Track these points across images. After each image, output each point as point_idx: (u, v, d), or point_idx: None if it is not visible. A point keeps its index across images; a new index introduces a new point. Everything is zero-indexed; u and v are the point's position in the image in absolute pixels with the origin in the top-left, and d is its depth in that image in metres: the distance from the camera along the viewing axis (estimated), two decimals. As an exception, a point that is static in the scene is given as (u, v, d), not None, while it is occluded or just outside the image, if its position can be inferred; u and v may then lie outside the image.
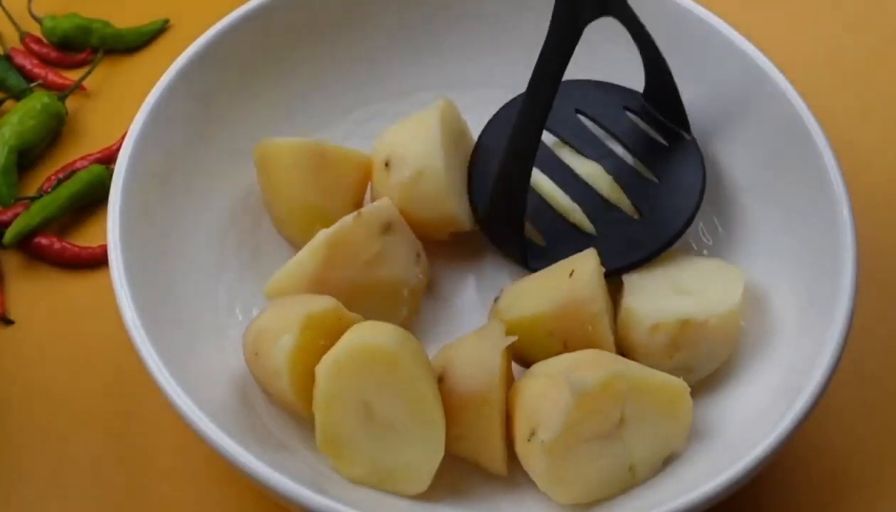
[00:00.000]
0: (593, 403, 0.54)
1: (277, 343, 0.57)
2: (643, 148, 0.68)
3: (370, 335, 0.56)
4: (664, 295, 0.61)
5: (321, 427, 0.56)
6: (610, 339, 0.59)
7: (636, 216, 0.66)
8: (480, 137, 0.69)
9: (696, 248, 0.68)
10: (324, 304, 0.58)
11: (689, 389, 0.57)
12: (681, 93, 0.70)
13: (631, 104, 0.69)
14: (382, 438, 0.55)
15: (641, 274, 0.63)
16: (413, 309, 0.64)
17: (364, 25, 0.73)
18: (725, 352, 0.62)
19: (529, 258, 0.66)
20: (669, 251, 0.65)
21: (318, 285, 0.61)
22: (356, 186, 0.67)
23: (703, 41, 0.69)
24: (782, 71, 0.67)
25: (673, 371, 0.59)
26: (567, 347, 0.59)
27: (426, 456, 0.55)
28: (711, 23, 0.69)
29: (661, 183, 0.67)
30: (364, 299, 0.61)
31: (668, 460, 0.58)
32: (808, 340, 0.59)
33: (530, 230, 0.66)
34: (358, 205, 0.67)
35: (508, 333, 0.59)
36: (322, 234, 0.61)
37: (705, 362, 0.61)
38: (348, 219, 0.62)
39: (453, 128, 0.68)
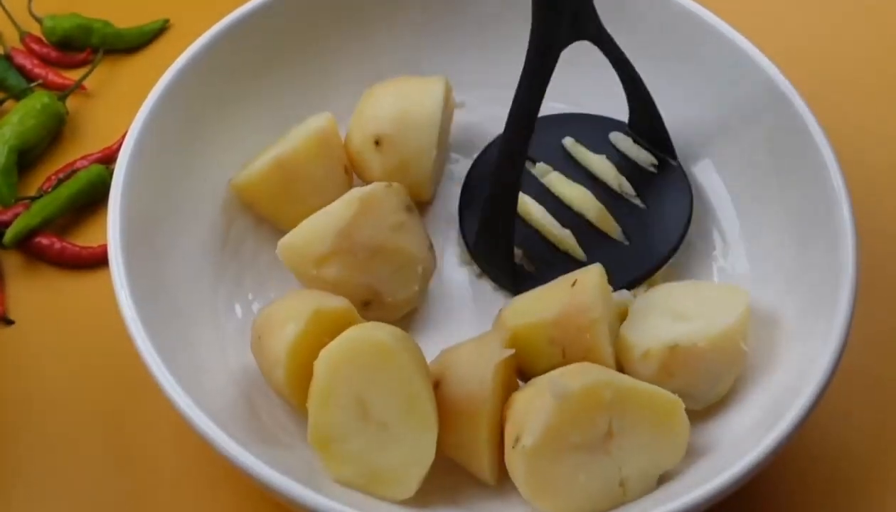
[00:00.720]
0: (576, 409, 0.54)
1: (281, 331, 0.57)
2: (630, 175, 0.69)
3: (370, 331, 0.56)
4: (661, 321, 0.60)
5: (314, 422, 0.56)
6: (608, 350, 0.59)
7: (625, 242, 0.67)
8: (469, 173, 0.70)
9: (698, 249, 0.68)
10: (337, 302, 0.59)
11: (682, 405, 0.56)
12: (680, 93, 0.70)
13: (616, 133, 0.70)
14: (374, 437, 0.55)
15: (646, 301, 0.63)
16: (423, 290, 0.65)
17: (365, 25, 0.73)
18: (727, 376, 0.60)
19: (520, 286, 0.66)
20: (677, 277, 0.66)
21: (343, 240, 0.61)
22: (337, 169, 0.67)
23: (703, 41, 0.69)
24: (782, 70, 0.67)
25: None
26: (566, 356, 0.59)
27: (416, 459, 0.55)
28: (711, 23, 0.69)
29: (648, 209, 0.68)
30: (383, 262, 0.62)
31: (663, 479, 0.57)
32: (808, 347, 0.59)
33: (521, 257, 0.67)
34: (348, 173, 0.68)
35: (509, 341, 0.59)
36: (356, 191, 0.62)
37: (705, 388, 0.60)
38: (380, 185, 0.63)
39: (448, 111, 0.69)
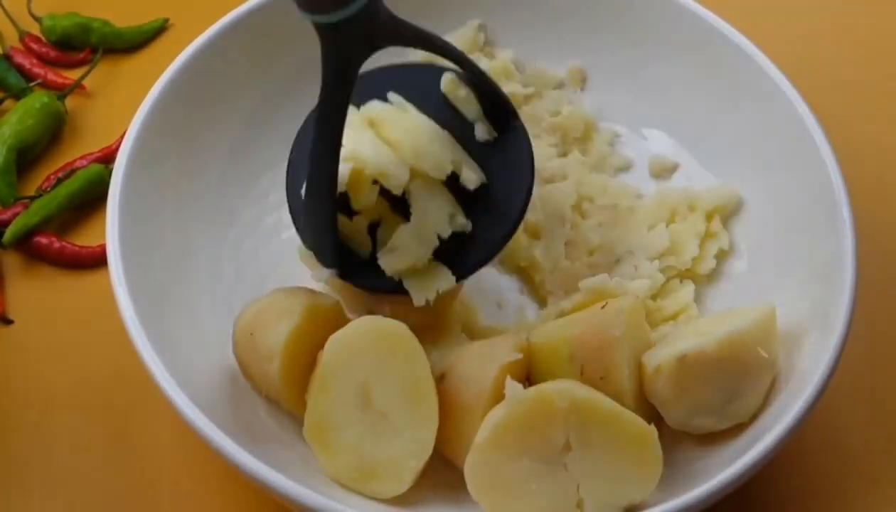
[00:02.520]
0: (529, 413, 0.53)
1: (276, 325, 0.57)
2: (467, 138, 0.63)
3: (380, 320, 0.56)
4: (680, 341, 0.59)
5: (313, 409, 0.56)
6: (625, 371, 0.57)
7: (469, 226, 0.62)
8: (291, 153, 0.64)
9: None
10: (328, 300, 0.59)
11: (655, 434, 0.54)
12: (681, 94, 0.70)
13: (449, 78, 0.64)
14: (373, 427, 0.55)
15: (675, 328, 0.62)
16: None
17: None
18: (749, 388, 0.58)
19: (349, 272, 0.61)
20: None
21: None
22: None
23: (704, 42, 0.69)
24: (783, 71, 0.67)
25: (691, 416, 0.57)
26: (584, 374, 0.58)
27: (414, 451, 0.55)
28: (711, 22, 0.69)
29: (490, 180, 0.63)
30: None
31: (631, 510, 0.55)
32: (805, 360, 0.58)
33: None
34: None
35: (533, 355, 0.59)
36: None
37: (723, 400, 0.57)
38: None
39: None
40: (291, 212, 0.63)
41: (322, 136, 0.58)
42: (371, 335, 0.55)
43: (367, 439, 0.55)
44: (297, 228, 0.63)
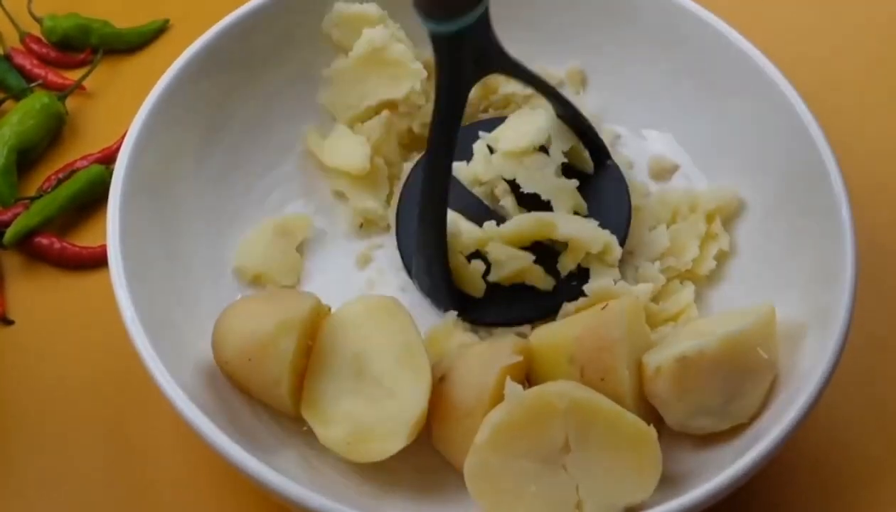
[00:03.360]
0: (529, 414, 0.53)
1: (277, 350, 0.57)
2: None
3: (370, 297, 0.59)
4: (680, 342, 0.59)
5: (310, 387, 0.57)
6: (624, 372, 0.57)
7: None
8: (401, 192, 0.68)
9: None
10: (309, 302, 0.59)
11: (655, 435, 0.54)
12: (681, 95, 0.70)
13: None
14: (368, 393, 0.56)
15: (675, 329, 0.62)
16: None
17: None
18: (750, 387, 0.58)
19: (469, 311, 0.65)
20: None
21: None
22: None
23: (704, 42, 0.69)
24: (782, 71, 0.67)
25: (691, 417, 0.57)
26: (584, 376, 0.58)
27: (408, 406, 0.56)
28: (711, 23, 0.69)
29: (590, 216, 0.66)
30: None
31: (631, 511, 0.54)
32: (805, 354, 0.58)
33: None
34: None
35: (534, 357, 0.59)
36: None
37: (724, 401, 0.57)
38: None
39: None
40: (402, 257, 0.66)
41: (434, 161, 0.60)
42: (365, 310, 0.58)
43: (362, 404, 0.56)
44: (411, 274, 0.66)
